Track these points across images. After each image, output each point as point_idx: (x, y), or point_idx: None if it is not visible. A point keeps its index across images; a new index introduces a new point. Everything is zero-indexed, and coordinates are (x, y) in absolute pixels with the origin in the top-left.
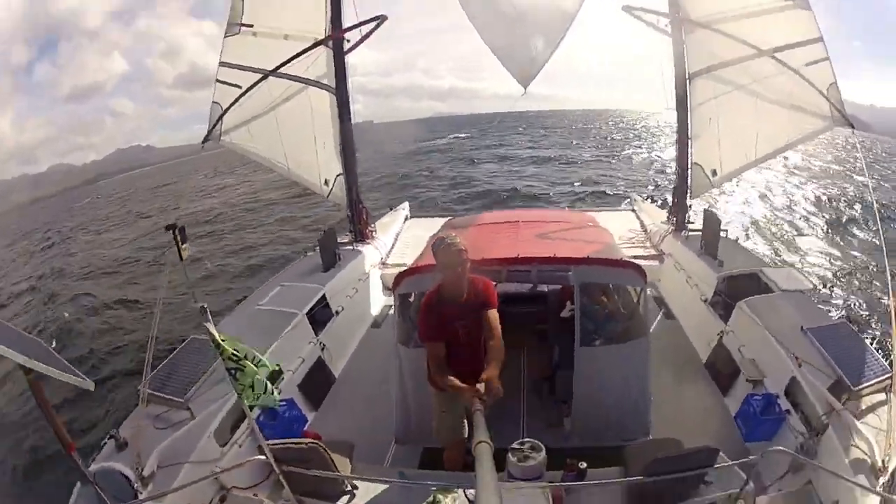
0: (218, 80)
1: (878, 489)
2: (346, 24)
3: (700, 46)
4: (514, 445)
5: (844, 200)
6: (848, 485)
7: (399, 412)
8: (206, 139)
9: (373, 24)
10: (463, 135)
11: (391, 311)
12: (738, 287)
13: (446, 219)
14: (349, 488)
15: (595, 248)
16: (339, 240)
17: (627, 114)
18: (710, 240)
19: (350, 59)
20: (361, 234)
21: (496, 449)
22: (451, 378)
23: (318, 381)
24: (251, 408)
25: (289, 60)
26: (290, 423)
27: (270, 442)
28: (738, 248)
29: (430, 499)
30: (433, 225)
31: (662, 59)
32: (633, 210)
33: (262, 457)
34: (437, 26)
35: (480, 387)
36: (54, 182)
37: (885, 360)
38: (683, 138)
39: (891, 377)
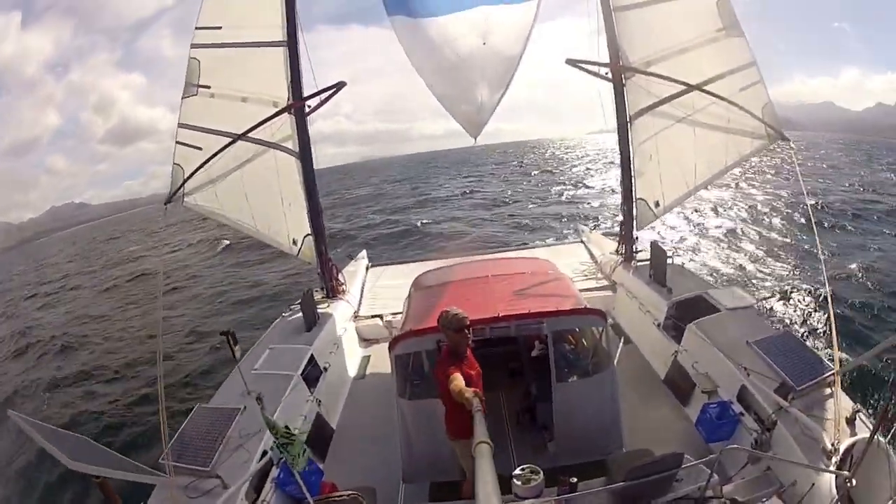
0: (178, 142)
1: (831, 468)
2: (305, 89)
3: (639, 89)
4: (517, 472)
5: (781, 207)
6: (802, 466)
7: (405, 455)
8: (168, 200)
9: (332, 90)
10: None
11: (370, 361)
12: (687, 310)
13: (405, 265)
14: None
15: (561, 298)
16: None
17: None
18: (658, 269)
19: None
20: (333, 291)
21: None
22: (467, 388)
23: (320, 435)
24: (293, 471)
25: (255, 126)
26: (308, 476)
27: (318, 498)
28: (684, 274)
29: None
30: (395, 273)
31: (603, 101)
32: (583, 241)
33: None
34: (356, 71)
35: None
36: None
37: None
38: (627, 176)
39: (833, 373)
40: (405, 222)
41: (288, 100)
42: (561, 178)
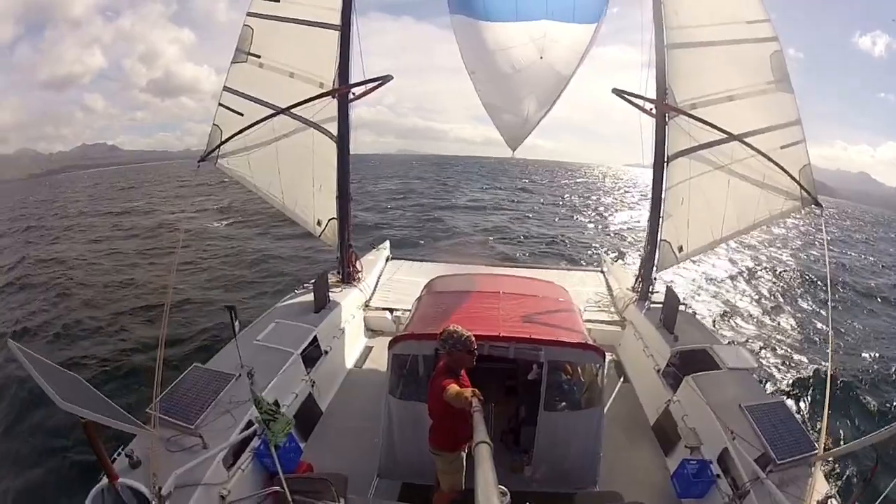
0: (221, 105)
1: None
2: (353, 77)
3: (680, 130)
4: None
5: (802, 273)
6: None
7: (384, 451)
8: (202, 158)
9: (378, 82)
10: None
11: (371, 353)
12: (689, 361)
13: (425, 263)
14: None
15: (565, 331)
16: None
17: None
18: (669, 315)
19: None
20: (349, 277)
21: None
22: (465, 389)
23: (308, 415)
24: (275, 445)
25: (299, 104)
26: (287, 453)
27: (289, 476)
28: (693, 324)
29: None
30: (413, 270)
31: (644, 135)
32: (603, 272)
33: (277, 488)
34: (403, 64)
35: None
36: (20, 167)
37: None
38: (655, 215)
39: (816, 455)
40: (431, 221)
41: (334, 84)
42: (594, 204)
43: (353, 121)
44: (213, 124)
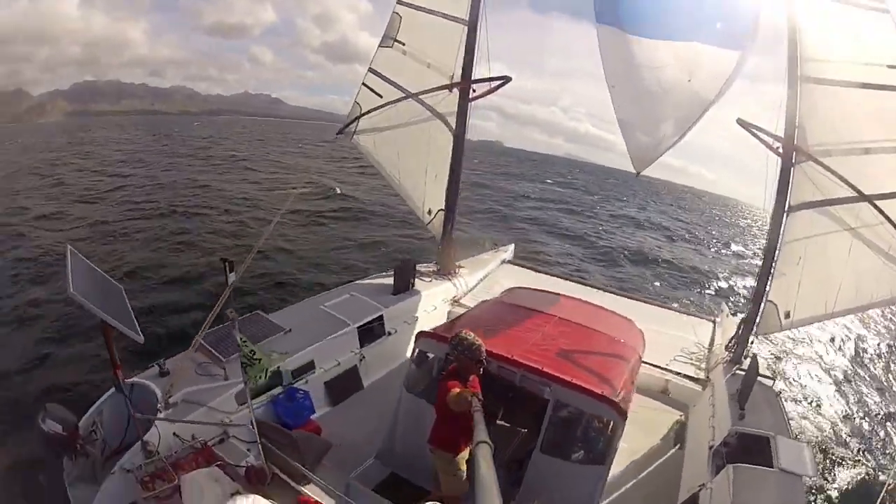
0: (364, 85)
1: None
2: (481, 74)
3: (805, 178)
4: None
5: None
6: None
7: (387, 437)
8: (340, 132)
9: (498, 83)
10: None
11: None
12: (744, 446)
13: (545, 276)
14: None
15: (593, 371)
16: (422, 269)
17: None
18: (745, 388)
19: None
20: (445, 270)
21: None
22: (463, 390)
23: (345, 385)
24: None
25: (425, 92)
26: (300, 409)
27: (273, 425)
28: (772, 404)
29: None
30: (525, 278)
31: (769, 176)
32: (714, 321)
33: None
34: (580, 67)
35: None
36: (174, 101)
37: None
38: (766, 270)
39: None
40: (567, 231)
41: (453, 77)
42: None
43: (527, 116)
44: (355, 101)
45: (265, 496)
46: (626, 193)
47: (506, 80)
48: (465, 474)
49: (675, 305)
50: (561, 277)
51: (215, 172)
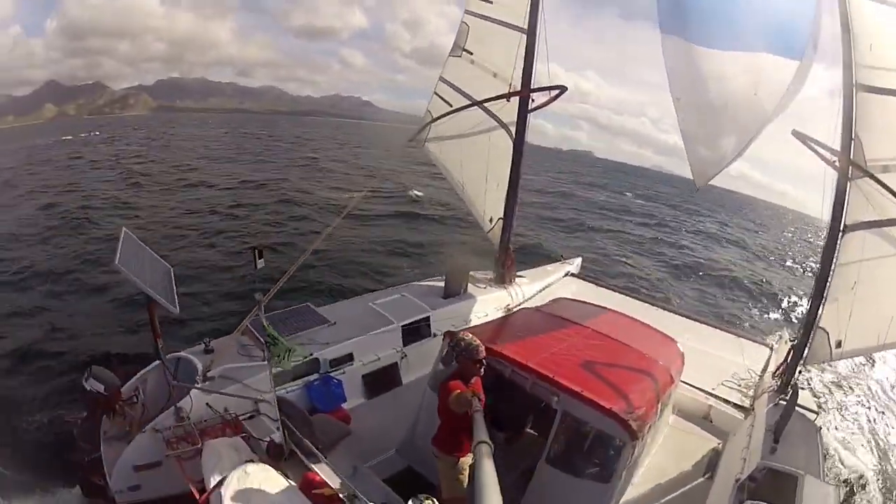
0: (435, 93)
1: None
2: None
3: (861, 195)
4: (411, 500)
5: None
6: None
7: (409, 431)
8: (412, 139)
9: (555, 94)
10: None
11: None
12: (770, 483)
13: (604, 290)
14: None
15: (611, 385)
16: (478, 275)
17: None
18: (781, 420)
19: (586, 86)
20: (502, 278)
21: None
22: (464, 390)
23: (383, 380)
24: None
25: (486, 100)
26: (332, 396)
27: (294, 405)
28: (809, 440)
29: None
30: (585, 291)
31: (826, 192)
32: (771, 348)
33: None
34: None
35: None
36: (264, 101)
37: None
38: (818, 294)
39: None
40: (643, 244)
41: (511, 87)
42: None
43: (616, 126)
44: (427, 109)
45: (279, 469)
46: (708, 208)
47: (561, 90)
48: (466, 480)
49: (738, 329)
50: (623, 293)
51: (295, 169)
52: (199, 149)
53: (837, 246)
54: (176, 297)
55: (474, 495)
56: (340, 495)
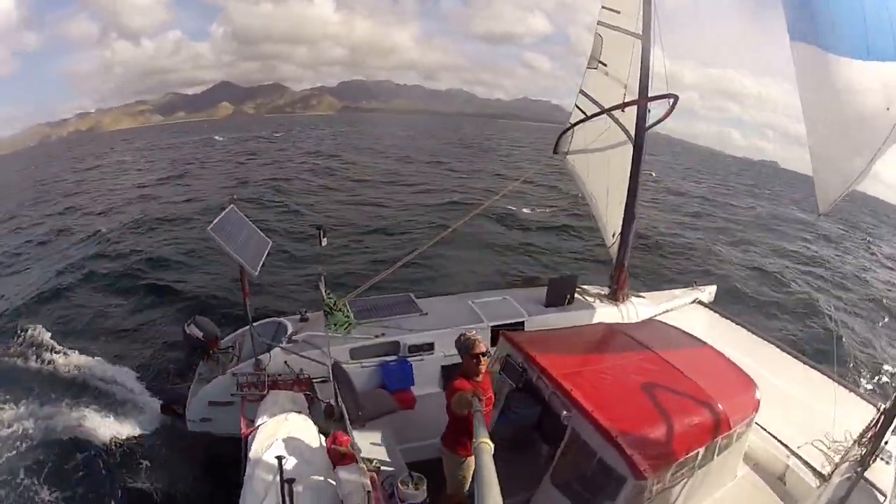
0: (576, 106)
1: None
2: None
3: None
4: (403, 476)
5: None
6: None
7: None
8: (554, 151)
9: (670, 105)
10: None
11: None
12: None
13: (732, 324)
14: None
15: (645, 418)
16: (590, 289)
17: None
18: (844, 496)
19: (768, 91)
20: (614, 295)
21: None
22: (464, 391)
23: (450, 372)
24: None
25: (608, 110)
26: (401, 377)
27: (347, 374)
28: None
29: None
30: (707, 322)
31: None
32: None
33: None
34: None
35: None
36: (452, 103)
37: None
38: None
39: None
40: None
41: (624, 97)
42: None
43: (802, 137)
44: (569, 122)
45: (327, 428)
46: None
47: (671, 97)
48: (469, 479)
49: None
50: (756, 333)
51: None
52: (392, 149)
53: None
54: (260, 264)
55: (475, 495)
56: (348, 453)
